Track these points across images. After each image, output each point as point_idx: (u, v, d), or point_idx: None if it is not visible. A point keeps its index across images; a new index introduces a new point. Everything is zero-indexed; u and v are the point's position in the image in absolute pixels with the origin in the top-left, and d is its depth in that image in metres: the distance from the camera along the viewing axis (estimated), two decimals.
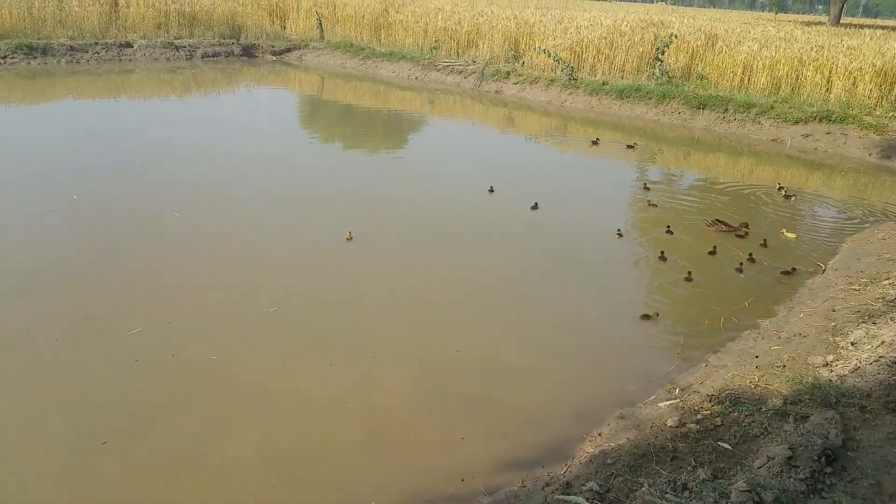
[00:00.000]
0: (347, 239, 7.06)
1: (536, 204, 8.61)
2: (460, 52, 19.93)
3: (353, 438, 4.11)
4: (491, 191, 9.17)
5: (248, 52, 21.24)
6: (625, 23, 17.78)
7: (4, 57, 16.66)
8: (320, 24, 22.92)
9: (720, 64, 15.56)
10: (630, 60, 16.81)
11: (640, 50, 16.62)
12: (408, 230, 7.72)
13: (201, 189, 8.61)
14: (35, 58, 17.08)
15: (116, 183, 8.66)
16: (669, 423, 4.19)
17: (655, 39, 16.49)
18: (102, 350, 4.87)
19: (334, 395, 4.53)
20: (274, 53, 21.66)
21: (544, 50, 17.24)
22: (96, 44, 18.41)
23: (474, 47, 19.76)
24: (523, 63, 18.37)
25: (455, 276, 6.59)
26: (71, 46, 17.89)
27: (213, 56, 20.18)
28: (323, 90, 18.20)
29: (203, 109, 14.64)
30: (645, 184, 10.03)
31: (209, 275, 6.21)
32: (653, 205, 9.02)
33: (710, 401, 4.45)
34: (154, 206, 7.84)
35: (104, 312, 5.40)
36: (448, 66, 18.81)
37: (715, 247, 7.52)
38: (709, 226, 8.16)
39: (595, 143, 12.56)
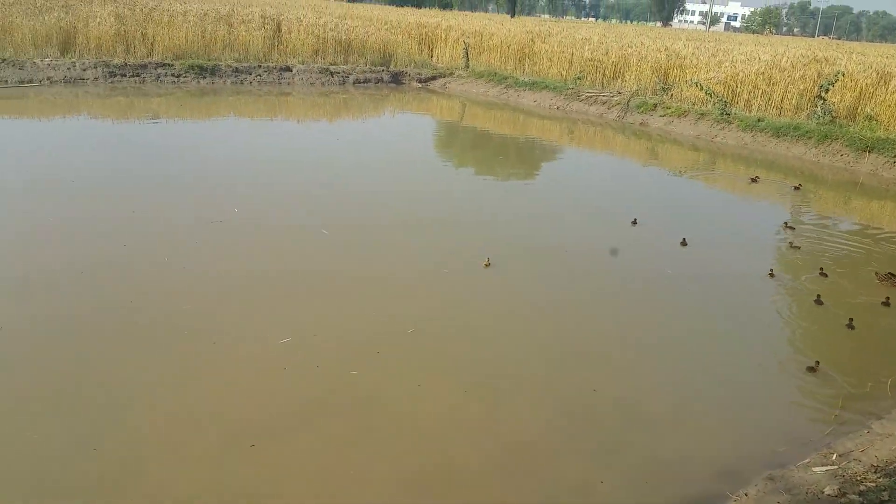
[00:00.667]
0: (485, 265, 7.05)
1: (685, 240, 8.22)
2: (605, 82, 19.66)
3: (484, 469, 4.07)
4: (634, 223, 8.88)
5: (397, 78, 22.08)
6: (785, 58, 16.83)
7: (178, 76, 18.33)
8: (466, 53, 23.46)
9: (893, 104, 14.30)
10: (789, 97, 15.84)
11: (801, 87, 15.63)
12: (547, 259, 7.64)
13: (341, 209, 8.96)
14: (204, 77, 18.65)
15: (273, 198, 9.20)
16: (827, 491, 3.81)
17: (818, 77, 15.44)
18: (254, 356, 5.14)
19: (467, 421, 4.52)
20: (420, 81, 22.38)
21: (696, 83, 16.65)
22: (259, 66, 19.83)
23: (620, 78, 19.43)
24: (671, 96, 17.81)
25: (594, 311, 6.42)
26: (236, 68, 19.38)
27: (363, 82, 21.16)
28: (463, 117, 18.56)
29: (351, 132, 15.35)
30: (786, 223, 9.34)
31: (350, 292, 6.41)
32: (795, 247, 8.40)
33: (874, 472, 4.01)
34: (304, 221, 8.23)
35: (257, 320, 5.71)
36: (592, 96, 18.60)
37: (888, 297, 6.83)
38: (881, 280, 7.39)
39: (754, 180, 11.89)
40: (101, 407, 4.39)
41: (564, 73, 20.68)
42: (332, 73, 20.74)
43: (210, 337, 5.31)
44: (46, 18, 18.37)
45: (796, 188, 11.56)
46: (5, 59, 16.55)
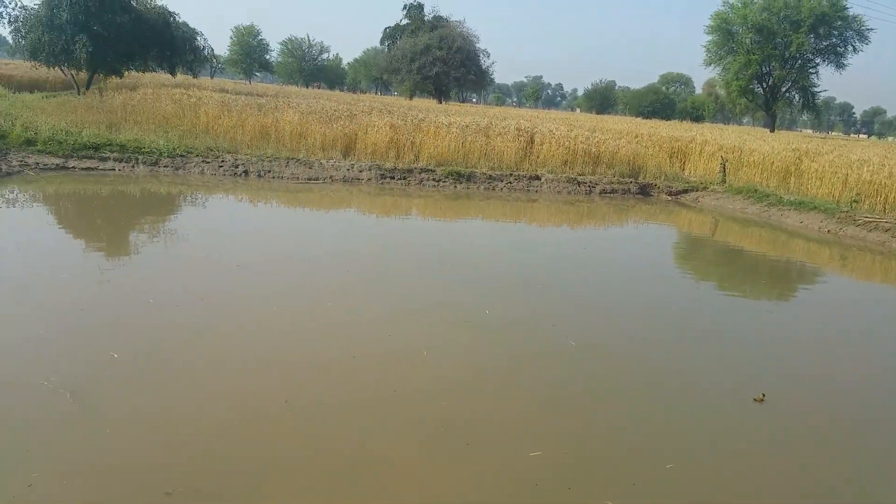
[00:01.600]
0: (757, 400, 6.25)
1: None
2: (888, 208, 17.45)
3: None
4: None
5: (644, 190, 21.75)
6: None
7: (438, 180, 19.76)
8: (723, 168, 22.50)
9: None
10: None
11: None
12: (830, 397, 6.64)
13: (587, 319, 8.70)
14: (461, 183, 19.90)
15: (516, 302, 9.25)
16: None
17: None
18: (508, 464, 4.98)
19: None
20: (670, 193, 21.80)
21: None
22: (510, 175, 20.75)
23: None
24: None
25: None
26: (490, 175, 20.46)
27: (610, 192, 21.13)
28: (715, 232, 17.56)
29: (592, 239, 15.21)
30: None
31: (604, 414, 6.10)
32: None
33: None
34: (552, 328, 8.09)
35: (514, 429, 5.58)
36: (871, 221, 16.58)
37: None
38: None
39: None
40: None
41: (837, 195, 18.79)
42: (579, 183, 21.03)
43: (465, 438, 5.26)
44: (335, 126, 21.15)
45: None
46: (299, 160, 19.15)
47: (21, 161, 16.39)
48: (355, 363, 6.52)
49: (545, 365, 6.99)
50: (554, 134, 23.18)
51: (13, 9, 26.92)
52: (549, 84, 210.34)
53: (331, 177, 18.78)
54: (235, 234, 12.20)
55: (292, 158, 19.19)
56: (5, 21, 26.94)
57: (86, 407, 5.16)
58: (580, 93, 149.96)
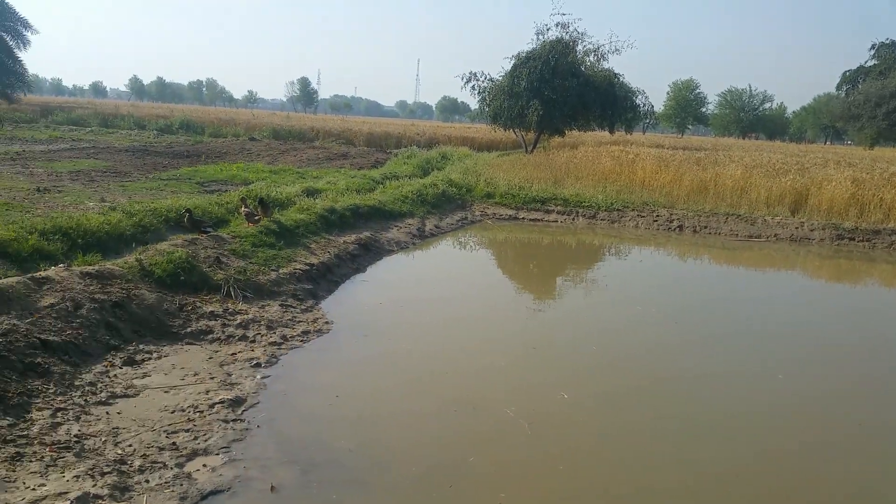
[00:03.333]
0: None
1: None
2: None
3: None
4: None
5: None
6: None
7: None
8: None
9: None
10: None
11: None
12: None
13: None
14: None
15: None
16: None
17: None
18: None
19: None
20: None
21: None
22: None
23: None
24: None
25: None
26: None
27: None
28: None
29: None
30: None
31: None
32: None
33: None
34: None
35: None
36: None
37: None
38: None
39: None
40: None
41: None
42: None
43: None
44: (782, 180, 19.48)
45: None
46: (739, 215, 18.05)
47: (482, 211, 18.95)
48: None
49: None
50: None
51: (482, 81, 31.84)
52: None
53: (775, 235, 17.23)
54: (668, 290, 12.04)
55: (731, 214, 18.19)
56: (475, 91, 32.07)
57: (541, 437, 5.53)
58: None
